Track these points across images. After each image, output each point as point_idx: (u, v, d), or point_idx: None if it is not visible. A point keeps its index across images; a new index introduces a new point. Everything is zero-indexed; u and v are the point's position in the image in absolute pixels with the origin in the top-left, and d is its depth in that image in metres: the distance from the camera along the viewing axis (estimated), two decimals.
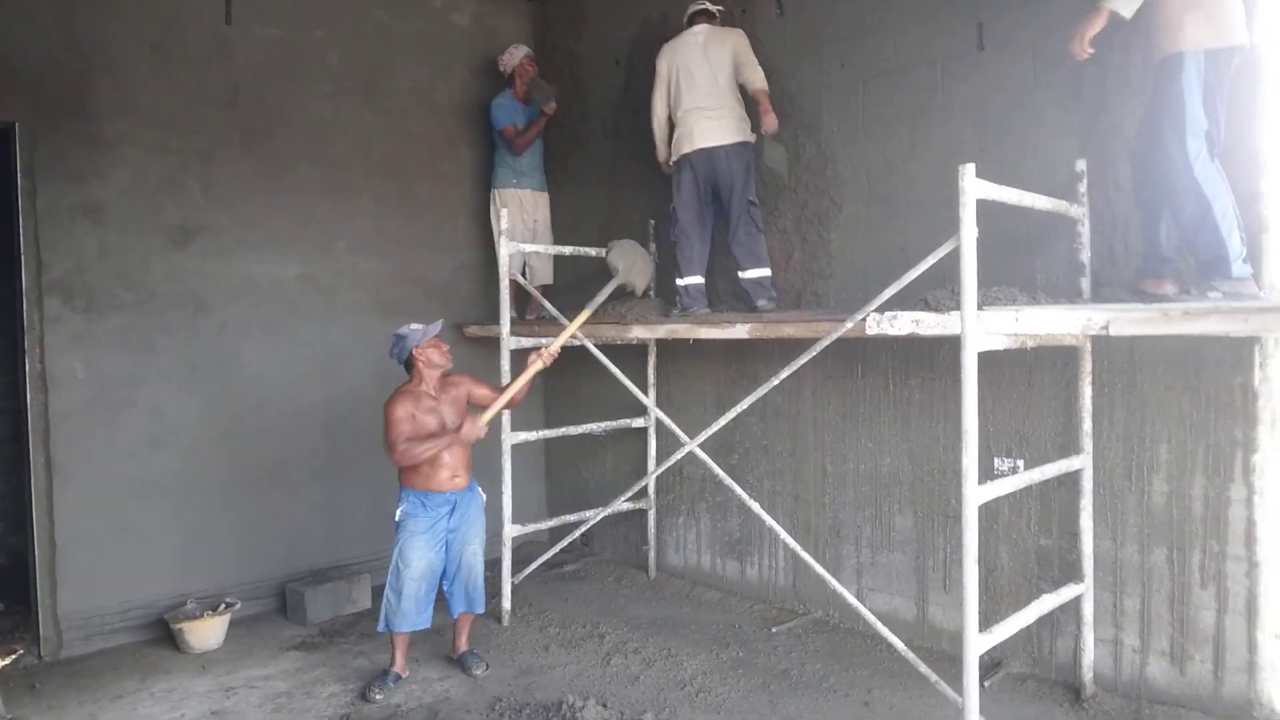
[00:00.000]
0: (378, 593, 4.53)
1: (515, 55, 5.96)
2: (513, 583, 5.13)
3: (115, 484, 4.82)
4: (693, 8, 4.98)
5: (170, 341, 5.02)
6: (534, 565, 5.46)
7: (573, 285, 6.24)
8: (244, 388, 5.28)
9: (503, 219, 5.13)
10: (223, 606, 4.88)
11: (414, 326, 4.24)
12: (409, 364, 4.25)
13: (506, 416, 5.00)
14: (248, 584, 5.22)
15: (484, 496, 4.44)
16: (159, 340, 4.98)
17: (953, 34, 4.35)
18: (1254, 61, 3.45)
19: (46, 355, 4.62)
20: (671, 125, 4.98)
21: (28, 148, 4.58)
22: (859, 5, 4.72)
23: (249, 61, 5.28)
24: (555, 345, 4.40)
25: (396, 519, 4.20)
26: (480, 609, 4.40)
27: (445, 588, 4.31)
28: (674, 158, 4.91)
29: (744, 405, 4.18)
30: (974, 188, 3.10)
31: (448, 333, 6.10)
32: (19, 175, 4.57)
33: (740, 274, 4.86)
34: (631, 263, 5.08)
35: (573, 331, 4.54)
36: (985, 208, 3.14)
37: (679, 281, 4.98)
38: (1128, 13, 3.28)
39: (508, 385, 4.43)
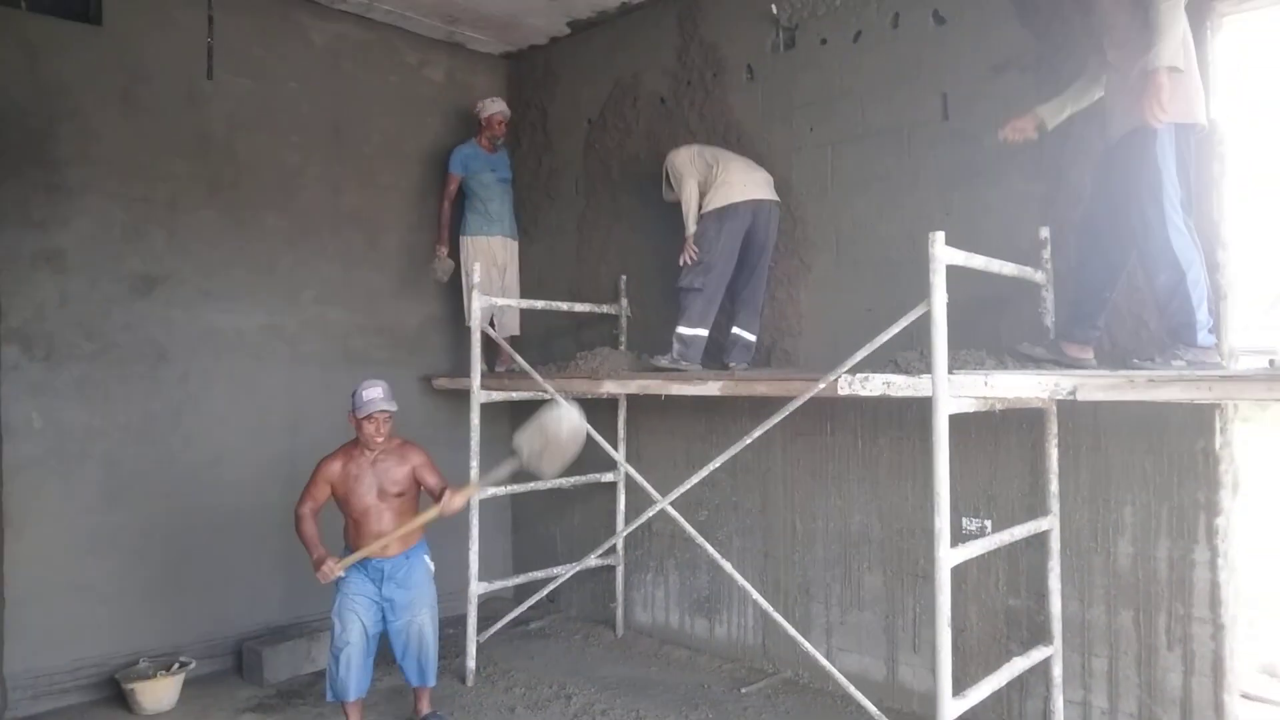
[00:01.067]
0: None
1: (491, 106, 5.98)
2: (478, 641, 5.03)
3: (69, 538, 4.68)
4: None
5: (129, 392, 4.91)
6: (500, 623, 5.37)
7: (542, 337, 6.24)
8: (204, 439, 5.17)
9: (475, 273, 5.11)
10: (177, 666, 4.73)
11: (368, 389, 4.03)
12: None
13: (474, 470, 4.94)
14: (203, 642, 5.07)
15: (431, 565, 4.25)
16: (118, 390, 4.87)
17: (919, 103, 4.47)
18: (1212, 136, 3.59)
19: (3, 404, 4.50)
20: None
21: None
22: (827, 73, 4.84)
23: (220, 111, 5.27)
24: (474, 490, 4.34)
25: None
26: (432, 681, 4.25)
27: (397, 659, 4.19)
28: (709, 208, 4.75)
29: (717, 464, 4.18)
30: (944, 255, 3.17)
31: (414, 385, 6.06)
32: None
33: (738, 330, 4.88)
34: (542, 447, 4.06)
35: (470, 495, 4.44)
36: (952, 271, 3.21)
37: (685, 331, 4.77)
38: (1181, 62, 3.31)
39: (428, 510, 4.07)
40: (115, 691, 4.64)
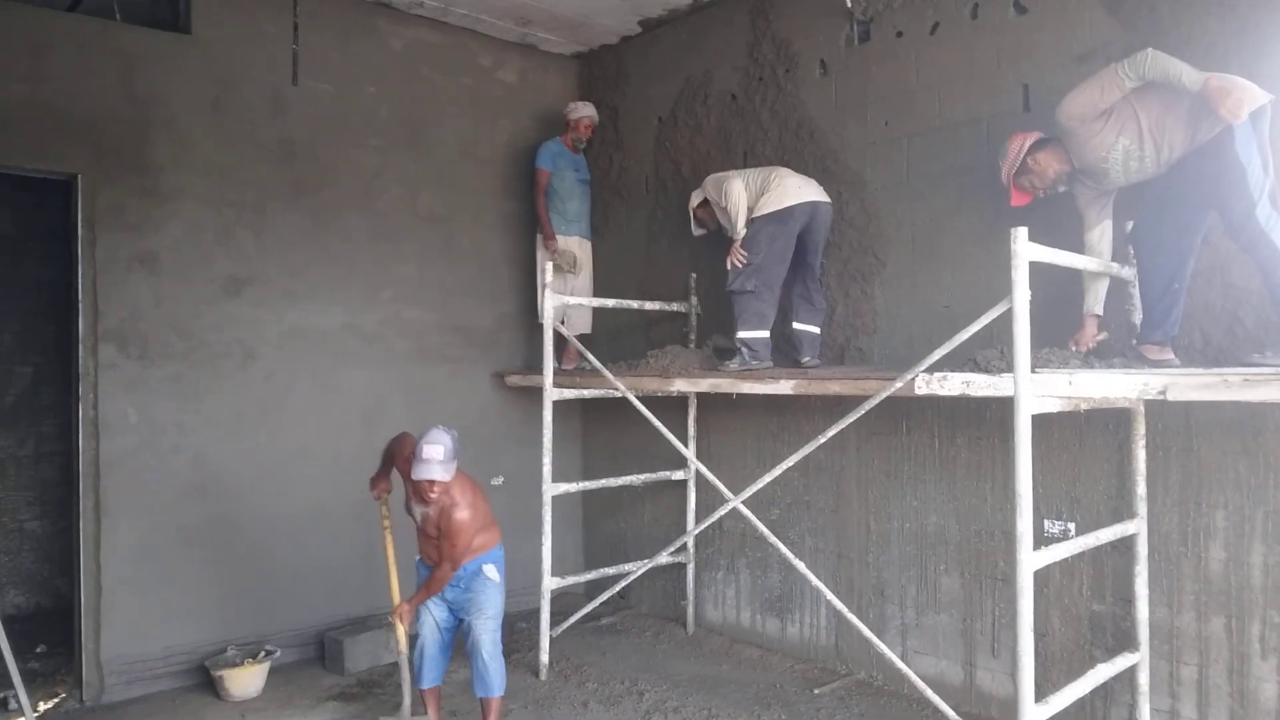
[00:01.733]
0: (415, 641, 4.49)
1: (581, 110, 6.12)
2: (551, 636, 5.09)
3: (161, 529, 4.88)
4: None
5: (218, 389, 5.10)
6: (573, 619, 5.43)
7: (611, 333, 6.29)
8: (288, 435, 5.34)
9: (548, 272, 5.16)
10: (262, 654, 4.88)
11: (429, 446, 3.77)
12: None
13: (547, 467, 5.01)
14: (288, 631, 5.23)
15: (496, 575, 4.04)
16: (208, 388, 5.06)
17: (999, 95, 4.37)
18: None
19: (100, 401, 4.71)
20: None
21: (89, 199, 4.72)
22: (903, 66, 4.76)
23: (304, 117, 5.43)
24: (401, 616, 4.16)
25: None
26: (495, 692, 4.01)
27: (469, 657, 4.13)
28: (762, 213, 4.74)
29: (789, 463, 4.16)
30: (1026, 250, 3.09)
31: (487, 382, 6.17)
32: (79, 225, 4.70)
33: (799, 326, 4.89)
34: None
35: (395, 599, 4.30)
36: (1035, 268, 3.13)
37: (747, 335, 4.74)
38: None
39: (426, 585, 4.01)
40: (205, 678, 4.83)
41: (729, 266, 4.80)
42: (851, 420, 3.86)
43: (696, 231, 5.36)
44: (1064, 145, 3.73)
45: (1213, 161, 3.32)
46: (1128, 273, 3.80)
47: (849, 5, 4.94)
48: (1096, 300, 3.84)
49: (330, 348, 5.54)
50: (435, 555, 3.97)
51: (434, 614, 4.06)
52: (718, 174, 5.11)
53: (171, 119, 4.97)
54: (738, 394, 4.73)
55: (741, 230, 4.80)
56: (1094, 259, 3.61)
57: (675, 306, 5.81)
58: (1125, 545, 3.86)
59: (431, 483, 3.77)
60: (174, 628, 4.89)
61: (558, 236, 6.01)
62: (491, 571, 4.00)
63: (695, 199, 5.24)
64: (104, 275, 4.74)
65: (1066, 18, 4.15)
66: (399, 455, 4.15)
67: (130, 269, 4.83)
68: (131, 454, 4.80)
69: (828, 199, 4.85)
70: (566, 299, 5.37)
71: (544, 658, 5.00)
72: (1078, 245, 3.78)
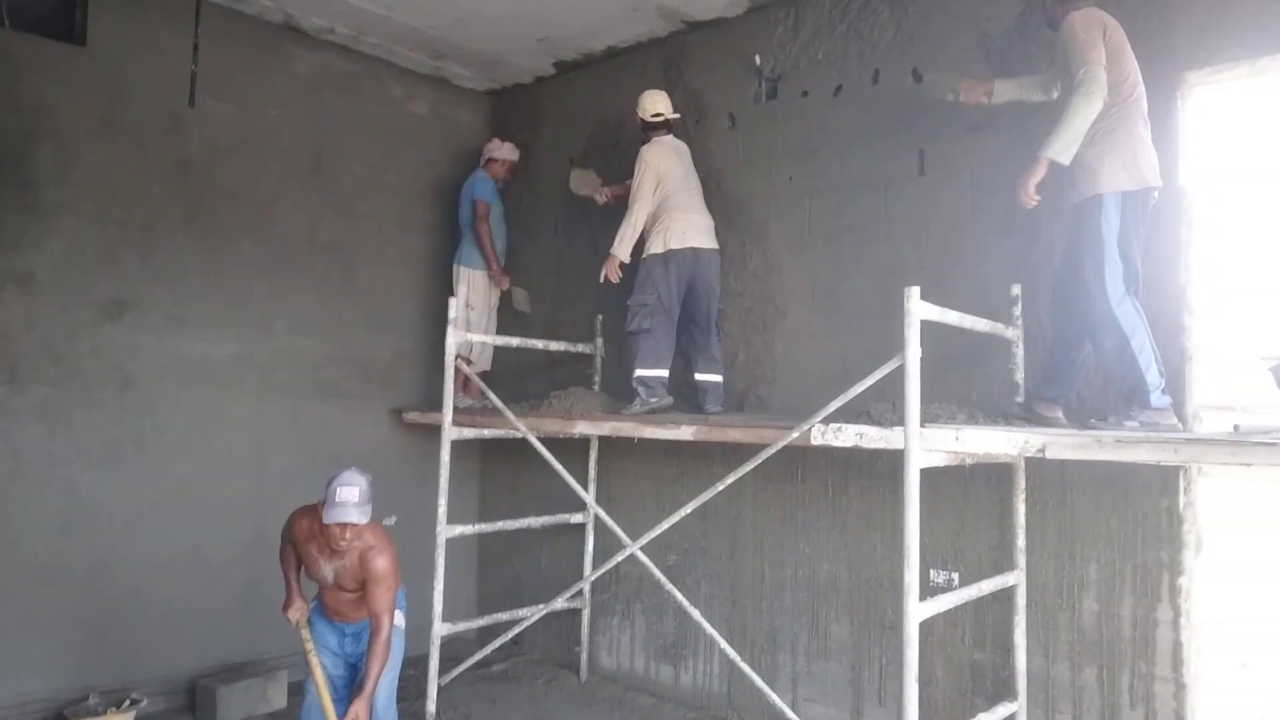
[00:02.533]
0: (295, 690, 4.29)
1: (506, 152, 6.13)
2: (439, 684, 4.93)
3: (22, 568, 4.55)
4: (666, 114, 5.06)
5: (93, 418, 4.82)
6: (463, 666, 5.26)
7: (515, 373, 6.22)
8: (167, 468, 5.08)
9: (452, 307, 5.06)
10: (128, 703, 4.59)
11: (342, 488, 3.54)
12: None
13: (443, 508, 4.89)
14: (156, 678, 4.93)
15: (401, 622, 3.84)
16: (81, 416, 4.78)
17: (896, 158, 4.55)
18: (1180, 201, 3.68)
19: None
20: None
21: None
22: (808, 124, 4.91)
23: (202, 136, 5.24)
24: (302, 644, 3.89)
25: None
26: None
27: None
28: (650, 252, 4.83)
29: (688, 510, 4.17)
30: (919, 309, 3.21)
31: (385, 418, 6.02)
32: None
33: (700, 376, 4.92)
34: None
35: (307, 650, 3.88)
36: (925, 326, 3.24)
37: (645, 373, 4.79)
38: (1066, 160, 3.48)
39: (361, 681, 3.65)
40: None
41: (601, 279, 4.94)
42: (749, 468, 3.90)
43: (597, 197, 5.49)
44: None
45: (1080, 222, 3.53)
46: (1011, 333, 3.97)
47: (758, 63, 5.09)
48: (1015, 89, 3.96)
49: (218, 378, 5.31)
50: (352, 612, 3.77)
51: (327, 666, 3.83)
52: (652, 152, 4.95)
53: (57, 132, 4.74)
54: (639, 438, 4.73)
55: (623, 252, 4.90)
56: (981, 320, 3.74)
57: (580, 348, 5.79)
58: (1005, 595, 3.99)
59: (344, 527, 3.51)
60: (31, 673, 4.55)
61: (480, 270, 5.95)
62: (397, 618, 3.78)
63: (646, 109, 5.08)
64: None
65: None
66: (293, 528, 3.82)
67: (2, 288, 4.55)
68: None
69: (714, 245, 4.93)
70: (470, 336, 5.30)
71: (431, 707, 4.83)
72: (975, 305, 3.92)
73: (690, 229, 4.85)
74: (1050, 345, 3.88)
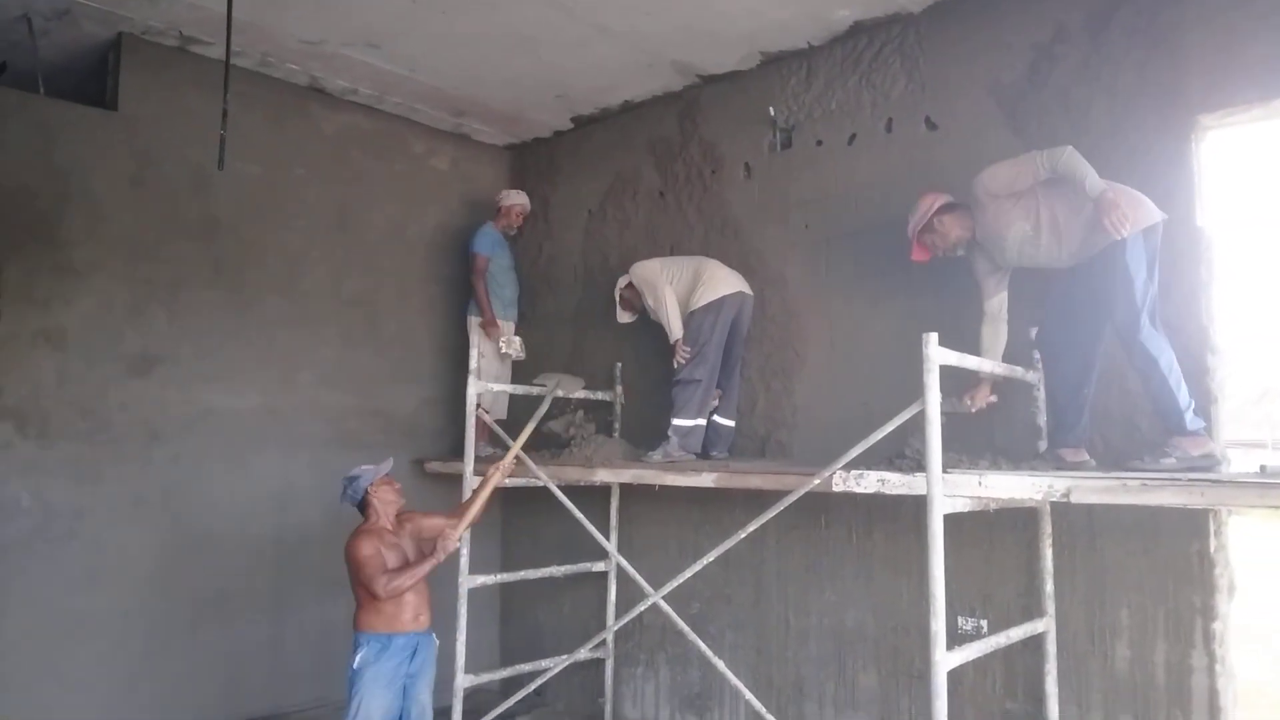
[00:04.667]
0: None
1: (514, 198, 6.19)
2: None
3: (49, 622, 4.58)
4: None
5: (121, 471, 4.88)
6: (486, 718, 5.21)
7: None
8: (193, 520, 5.12)
9: (472, 358, 5.12)
10: None
11: (365, 467, 4.13)
12: (363, 505, 4.09)
13: (465, 558, 4.88)
14: None
15: (437, 641, 4.21)
16: (109, 470, 4.84)
17: (912, 204, 4.56)
18: (1199, 243, 3.69)
19: None
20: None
21: None
22: (822, 172, 4.97)
23: (228, 196, 5.37)
24: (509, 459, 4.44)
25: (354, 667, 3.89)
26: None
27: None
28: (699, 304, 4.86)
29: (710, 558, 4.14)
30: (938, 355, 3.21)
31: (406, 468, 6.04)
32: None
33: (720, 419, 4.97)
34: (557, 381, 5.40)
35: (520, 446, 4.56)
36: (946, 371, 3.25)
37: (684, 423, 4.80)
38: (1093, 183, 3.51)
39: (468, 501, 4.32)
40: None
41: (676, 364, 4.90)
42: (771, 515, 3.88)
43: (623, 318, 5.42)
44: (971, 213, 3.89)
45: (1106, 268, 3.52)
46: (1032, 376, 3.96)
47: (772, 114, 5.17)
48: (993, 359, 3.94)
49: (244, 430, 5.37)
50: (416, 605, 4.00)
51: (388, 705, 3.90)
52: (642, 263, 5.20)
53: (89, 193, 4.87)
54: (660, 485, 4.73)
55: (678, 332, 4.91)
56: (1001, 364, 3.76)
57: (600, 395, 5.82)
58: (1035, 643, 3.92)
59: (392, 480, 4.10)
60: None
61: (499, 322, 6.00)
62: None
63: (621, 283, 5.31)
64: (6, 351, 4.55)
65: (974, 134, 4.41)
66: (365, 546, 3.94)
67: (34, 345, 4.65)
68: (22, 540, 4.54)
69: (751, 292, 5.00)
70: (492, 385, 5.34)
71: None
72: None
73: (732, 277, 4.94)
74: (1050, 392, 3.88)
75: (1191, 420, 3.42)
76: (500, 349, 5.80)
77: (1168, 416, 3.46)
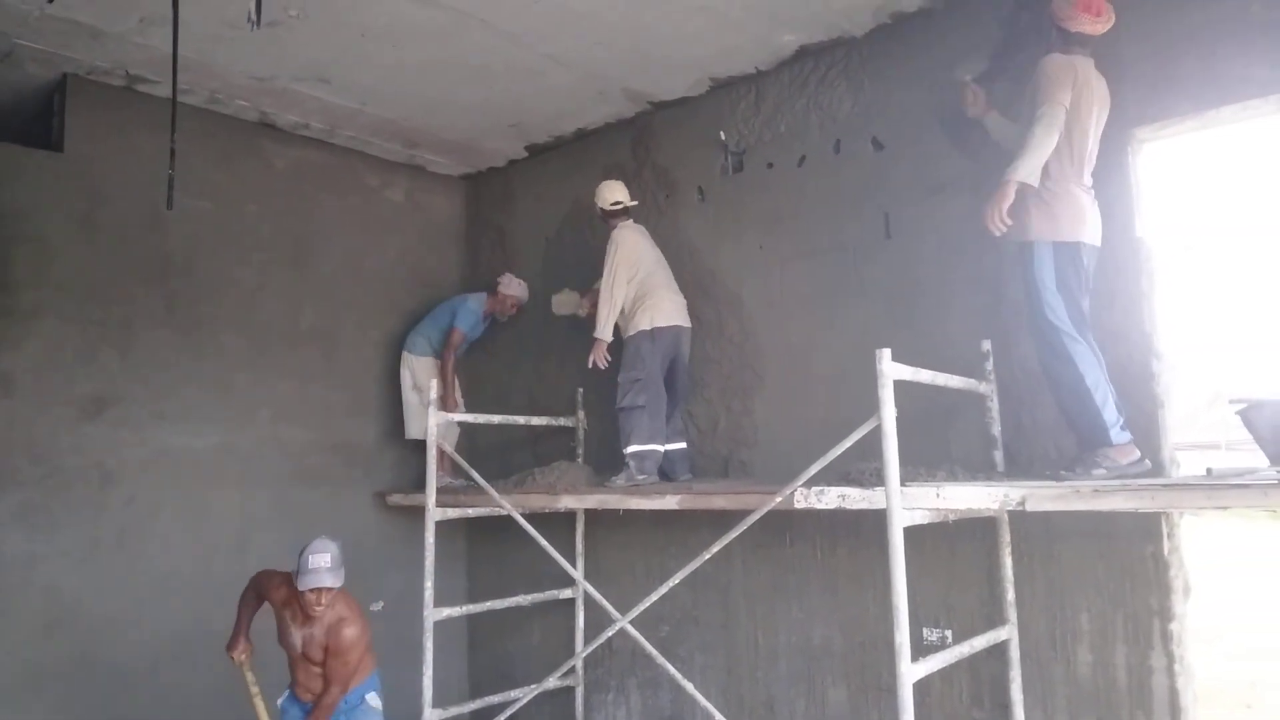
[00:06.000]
0: None
1: (514, 289, 6.13)
2: None
3: (4, 675, 4.47)
4: (625, 202, 5.18)
5: (74, 517, 4.78)
6: None
7: (499, 449, 6.22)
8: (150, 563, 5.02)
9: (432, 389, 5.09)
10: None
11: (314, 555, 3.77)
12: None
13: (429, 592, 4.83)
14: None
15: (378, 703, 3.99)
16: (62, 516, 4.74)
17: (862, 223, 4.67)
18: (1140, 253, 3.80)
19: None
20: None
21: None
22: (774, 194, 5.05)
23: (180, 233, 5.31)
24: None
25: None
26: None
27: None
28: (638, 329, 4.90)
29: (676, 580, 4.14)
30: (891, 370, 3.26)
31: (369, 501, 5.99)
32: None
33: (670, 447, 4.97)
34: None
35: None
36: (901, 385, 3.30)
37: (639, 448, 4.81)
38: (1034, 181, 3.52)
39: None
40: None
41: (590, 365, 5.00)
42: (735, 534, 3.90)
43: (560, 309, 5.69)
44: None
45: (1020, 269, 3.62)
46: (984, 388, 4.03)
47: (723, 138, 5.25)
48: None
49: (202, 470, 5.29)
50: (317, 685, 3.74)
51: None
52: (628, 234, 5.08)
53: (36, 236, 4.80)
54: (625, 509, 4.73)
55: (606, 332, 4.96)
56: (954, 377, 3.81)
57: (562, 421, 5.82)
58: (999, 651, 3.97)
59: (319, 592, 3.63)
60: None
61: (426, 358, 6.02)
62: (374, 700, 3.90)
63: (608, 199, 5.17)
64: None
65: (920, 154, 4.51)
66: (267, 587, 3.92)
67: None
68: None
69: (689, 324, 5.07)
70: (453, 417, 5.32)
71: None
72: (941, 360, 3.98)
73: (673, 308, 4.98)
74: (1059, 394, 3.64)
75: (1118, 434, 3.45)
76: (554, 308, 5.81)
77: (1086, 429, 3.48)
